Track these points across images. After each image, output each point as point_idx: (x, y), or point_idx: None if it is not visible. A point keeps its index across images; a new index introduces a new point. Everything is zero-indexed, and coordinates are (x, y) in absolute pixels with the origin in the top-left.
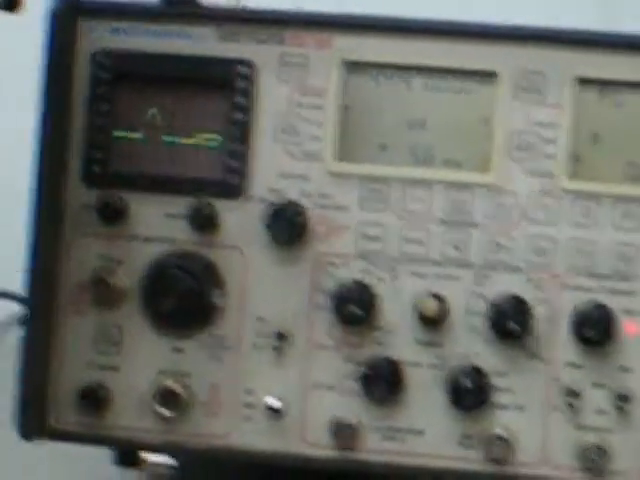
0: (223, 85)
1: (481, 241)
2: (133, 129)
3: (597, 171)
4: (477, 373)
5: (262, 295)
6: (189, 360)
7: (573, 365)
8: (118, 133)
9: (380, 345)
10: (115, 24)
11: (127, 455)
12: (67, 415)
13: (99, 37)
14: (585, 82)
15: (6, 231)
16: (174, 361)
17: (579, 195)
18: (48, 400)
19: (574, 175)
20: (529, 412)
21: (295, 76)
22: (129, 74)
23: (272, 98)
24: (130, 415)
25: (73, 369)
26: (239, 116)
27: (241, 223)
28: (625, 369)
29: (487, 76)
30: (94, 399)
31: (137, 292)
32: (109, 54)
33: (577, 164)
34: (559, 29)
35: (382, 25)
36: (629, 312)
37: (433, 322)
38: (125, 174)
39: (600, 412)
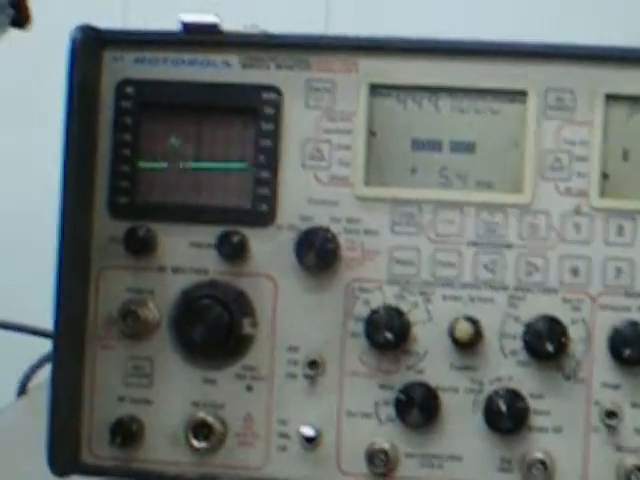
0: (249, 112)
1: (515, 262)
2: (158, 159)
3: (629, 188)
4: (513, 396)
5: (293, 323)
6: (221, 391)
7: (611, 385)
8: (143, 164)
9: (414, 370)
10: (138, 54)
11: None
12: (100, 450)
13: (123, 67)
14: (614, 98)
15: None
16: (206, 392)
17: (611, 213)
18: (80, 436)
19: (606, 193)
20: (567, 435)
21: (322, 101)
22: (153, 103)
23: (299, 124)
24: (163, 448)
25: (105, 403)
26: (266, 143)
27: (271, 251)
28: None
29: (516, 95)
30: (126, 433)
31: (167, 323)
32: (133, 84)
33: (608, 182)
34: (586, 45)
35: (408, 47)
36: None
37: (467, 346)
38: (152, 204)
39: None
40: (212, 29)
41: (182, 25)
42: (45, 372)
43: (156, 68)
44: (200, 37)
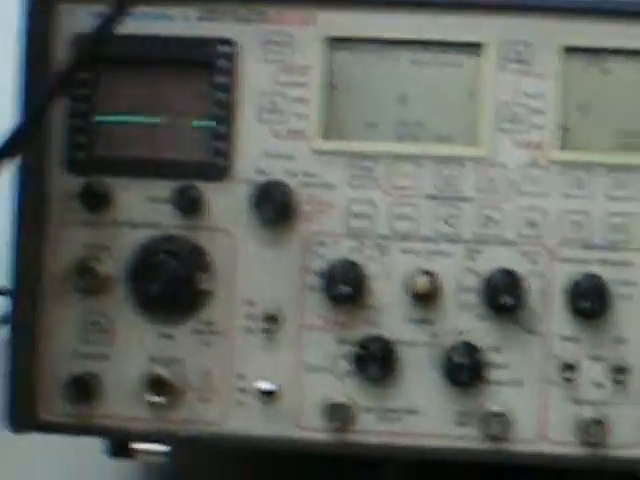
0: (205, 65)
1: (472, 215)
2: (115, 113)
3: (587, 141)
4: (471, 349)
5: (251, 277)
6: (179, 346)
7: (569, 338)
8: (100, 117)
9: (372, 324)
10: (94, 7)
11: (120, 445)
12: (57, 407)
13: (78, 21)
14: (572, 51)
15: None
16: (164, 348)
17: (569, 166)
18: (37, 392)
19: (563, 145)
20: (525, 388)
21: (279, 54)
22: (109, 57)
23: (255, 77)
24: (121, 404)
25: (61, 360)
26: (222, 97)
27: (227, 205)
28: (620, 340)
29: (473, 48)
30: (84, 389)
31: (123, 279)
32: (88, 38)
33: (566, 134)
34: None
35: (366, 0)
36: (623, 282)
37: (425, 299)
38: (108, 159)
39: (597, 385)
40: None
41: None
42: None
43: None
44: None
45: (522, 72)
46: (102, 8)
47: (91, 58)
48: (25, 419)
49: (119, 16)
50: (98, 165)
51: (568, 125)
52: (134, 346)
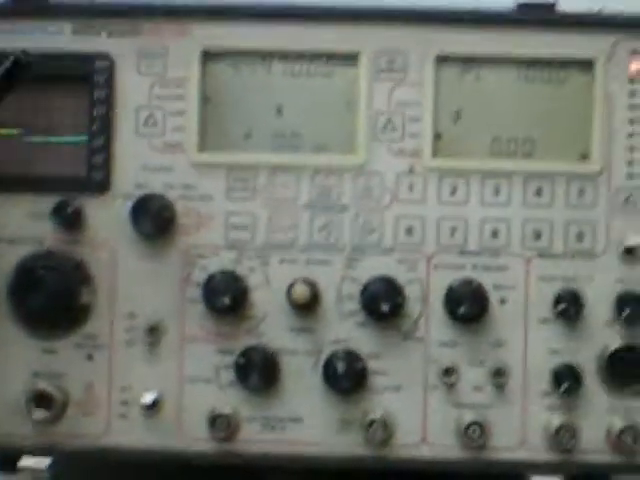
0: (81, 80)
1: (350, 224)
2: None
3: (462, 148)
4: (352, 356)
5: (132, 291)
6: (62, 361)
7: (448, 343)
8: None
9: (253, 334)
10: None
11: (5, 461)
12: None
13: None
14: (445, 59)
15: None
16: (47, 363)
17: (445, 172)
18: None
19: (438, 153)
20: (407, 393)
21: (154, 67)
22: None
23: (132, 91)
24: (5, 420)
25: None
26: (100, 111)
27: (107, 219)
28: (498, 344)
29: (348, 58)
30: None
31: (5, 295)
32: None
33: (441, 141)
34: (417, 7)
35: (240, 11)
36: (499, 287)
37: (305, 308)
38: None
39: (477, 389)
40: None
41: None
42: None
43: None
44: (27, 5)
45: (397, 81)
46: None
47: None
48: None
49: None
50: None
51: (443, 133)
52: (17, 362)
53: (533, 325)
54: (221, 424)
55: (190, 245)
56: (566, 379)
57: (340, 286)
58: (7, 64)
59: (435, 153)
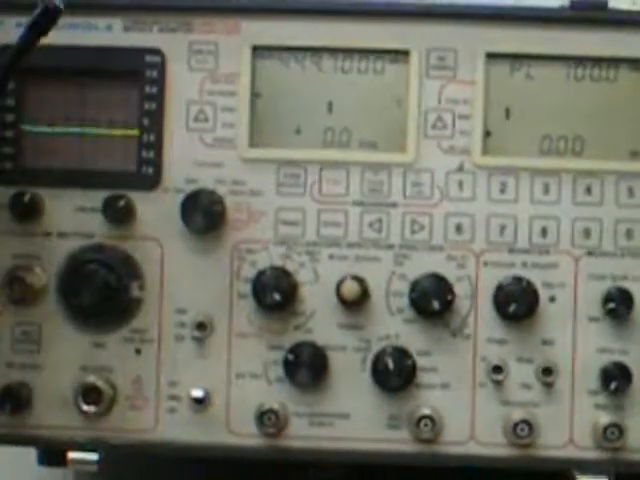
0: (132, 75)
1: (400, 221)
2: (43, 123)
3: (511, 146)
4: (401, 353)
5: (181, 286)
6: (111, 355)
7: (496, 341)
8: (27, 127)
9: (302, 330)
10: (20, 18)
11: (52, 454)
12: None
13: (4, 32)
14: (495, 57)
15: None
16: (95, 356)
17: (494, 170)
18: None
19: (488, 151)
20: (455, 390)
21: (205, 63)
22: (36, 68)
23: (183, 86)
24: (53, 413)
25: None
26: (151, 106)
27: (157, 214)
28: (547, 342)
29: (398, 55)
30: (16, 399)
31: (55, 288)
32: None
33: (490, 139)
34: (467, 5)
35: (290, 8)
36: (549, 285)
37: (354, 305)
38: (37, 169)
39: (525, 387)
40: None
41: None
42: None
43: (4, 31)
44: (82, 0)
45: (447, 78)
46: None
47: (13, 69)
48: None
49: (42, 27)
50: (26, 175)
51: (493, 130)
52: (65, 355)
53: (582, 323)
54: (269, 420)
55: (240, 240)
56: (615, 378)
57: (389, 283)
58: (37, 12)
59: (485, 151)
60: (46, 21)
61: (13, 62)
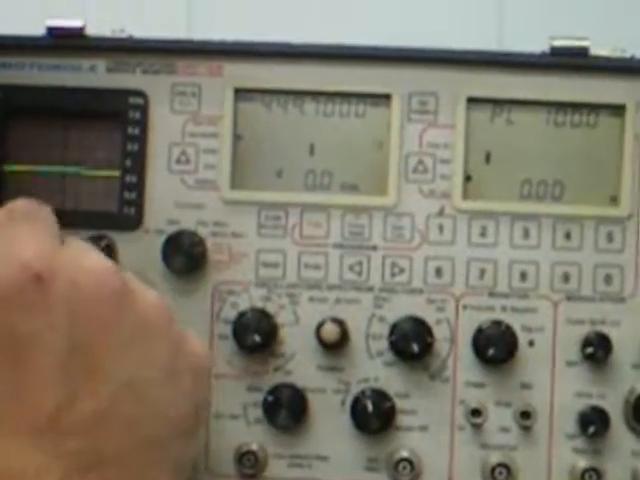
0: (115, 116)
1: (380, 264)
2: (25, 163)
3: (492, 190)
4: (380, 396)
5: None
6: None
7: (475, 384)
8: (9, 167)
9: (282, 372)
10: (3, 58)
11: None
12: None
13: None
14: (476, 101)
15: None
16: None
17: (474, 215)
18: None
19: (468, 195)
20: (434, 433)
21: (188, 105)
22: (19, 108)
23: (165, 128)
24: None
25: None
26: (133, 147)
27: (139, 255)
28: (525, 385)
29: (380, 99)
30: None
31: None
32: None
33: (471, 184)
34: (449, 50)
35: (272, 51)
36: (528, 329)
37: (334, 347)
38: None
39: (504, 430)
40: (77, 33)
41: (47, 29)
42: None
43: (22, 72)
44: (65, 41)
45: (428, 122)
46: (12, 59)
47: None
48: None
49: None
50: None
51: (473, 175)
52: None
53: (561, 368)
54: (248, 461)
55: (221, 282)
56: (593, 422)
57: (369, 325)
58: None
59: (465, 195)
60: None
61: None
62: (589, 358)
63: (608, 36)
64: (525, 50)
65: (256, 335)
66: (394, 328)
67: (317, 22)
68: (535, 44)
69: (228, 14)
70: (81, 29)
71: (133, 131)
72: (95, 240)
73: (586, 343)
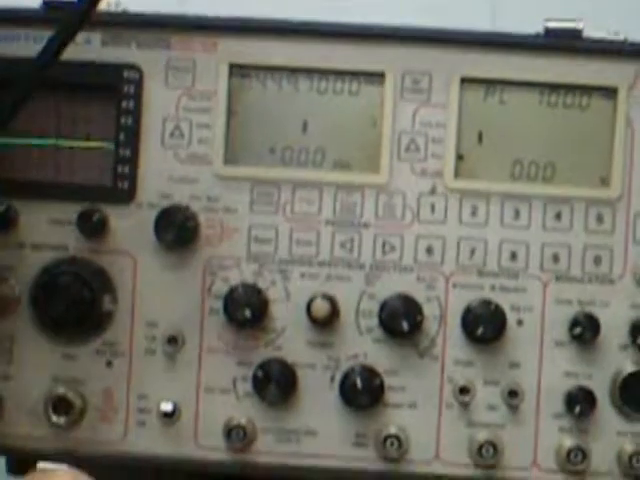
0: (110, 90)
1: (371, 241)
2: (19, 136)
3: (483, 170)
4: (369, 372)
5: (153, 300)
6: (82, 367)
7: (464, 362)
8: (2, 140)
9: (272, 347)
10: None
11: (22, 464)
12: None
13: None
14: (469, 81)
15: None
16: (67, 368)
17: (466, 194)
18: None
19: (460, 174)
20: (422, 410)
21: (182, 80)
22: (12, 80)
23: (159, 102)
24: (24, 423)
25: None
26: (127, 121)
27: (131, 228)
28: (513, 365)
29: (374, 77)
30: None
31: (27, 300)
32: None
33: (462, 163)
34: (443, 29)
35: (267, 27)
36: (517, 309)
37: (324, 323)
38: (12, 181)
39: (491, 408)
40: (72, 6)
41: (42, 1)
42: None
43: (14, 44)
44: (58, 14)
45: (421, 102)
46: (6, 31)
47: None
48: None
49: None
50: (3, 187)
51: (465, 154)
52: (36, 366)
53: (549, 347)
54: (237, 435)
55: (212, 256)
56: (579, 402)
57: (359, 302)
58: None
59: (457, 174)
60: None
61: (59, 49)
62: (577, 338)
63: (601, 18)
64: (519, 31)
65: (247, 310)
66: (384, 305)
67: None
68: (528, 25)
69: None
70: (75, 2)
71: (127, 105)
72: (88, 213)
73: (574, 323)
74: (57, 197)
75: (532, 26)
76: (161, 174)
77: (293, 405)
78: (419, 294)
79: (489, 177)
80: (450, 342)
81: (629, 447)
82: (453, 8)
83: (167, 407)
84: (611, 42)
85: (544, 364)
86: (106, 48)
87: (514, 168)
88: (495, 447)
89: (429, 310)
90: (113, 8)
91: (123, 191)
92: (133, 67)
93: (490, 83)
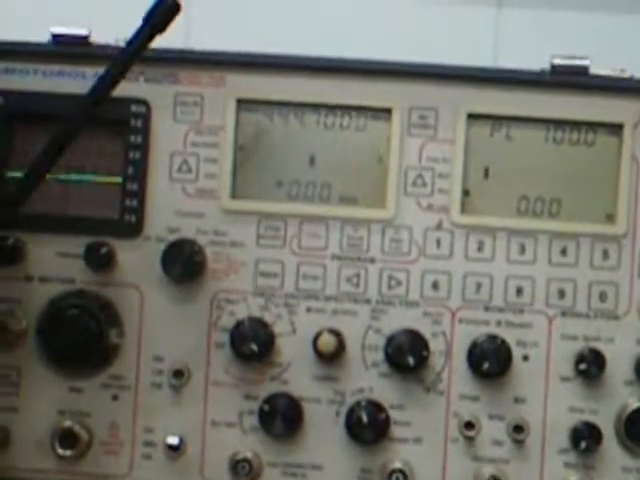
0: (118, 124)
1: (377, 276)
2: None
3: (489, 205)
4: (374, 407)
5: (160, 333)
6: (88, 400)
7: (469, 397)
8: (12, 173)
9: (278, 381)
10: (7, 64)
11: None
12: None
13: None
14: (476, 117)
15: None
16: (73, 401)
17: (472, 229)
18: None
19: (466, 209)
20: (427, 445)
21: (190, 115)
22: (23, 114)
23: (167, 137)
24: (30, 456)
25: None
26: (135, 155)
27: (138, 262)
28: (519, 400)
29: (381, 112)
30: None
31: (34, 333)
32: (2, 94)
33: (469, 198)
34: (450, 65)
35: (275, 63)
36: (522, 344)
37: (330, 357)
38: (20, 214)
39: (496, 443)
40: (81, 41)
41: (52, 36)
42: None
43: (25, 79)
44: (68, 49)
45: (428, 137)
46: (17, 65)
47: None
48: None
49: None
50: (10, 220)
51: (472, 190)
52: (43, 399)
53: (554, 383)
54: (243, 468)
55: (219, 290)
56: (585, 437)
57: (365, 337)
58: (154, 6)
59: (463, 210)
60: (164, 17)
61: (130, 59)
62: (582, 374)
63: (606, 55)
64: (526, 68)
65: (253, 344)
66: (390, 340)
67: (320, 36)
68: (531, 62)
69: (226, 26)
70: (86, 37)
71: (135, 139)
72: (95, 246)
73: (580, 359)
74: (65, 230)
75: (533, 63)
76: (168, 208)
77: (299, 439)
78: (425, 329)
79: (495, 212)
80: (456, 377)
81: None
82: (455, 44)
83: (173, 440)
84: (617, 79)
85: (549, 399)
86: None
87: (520, 204)
88: None
89: (435, 345)
90: (121, 43)
91: (130, 225)
92: (141, 101)
93: (496, 119)
